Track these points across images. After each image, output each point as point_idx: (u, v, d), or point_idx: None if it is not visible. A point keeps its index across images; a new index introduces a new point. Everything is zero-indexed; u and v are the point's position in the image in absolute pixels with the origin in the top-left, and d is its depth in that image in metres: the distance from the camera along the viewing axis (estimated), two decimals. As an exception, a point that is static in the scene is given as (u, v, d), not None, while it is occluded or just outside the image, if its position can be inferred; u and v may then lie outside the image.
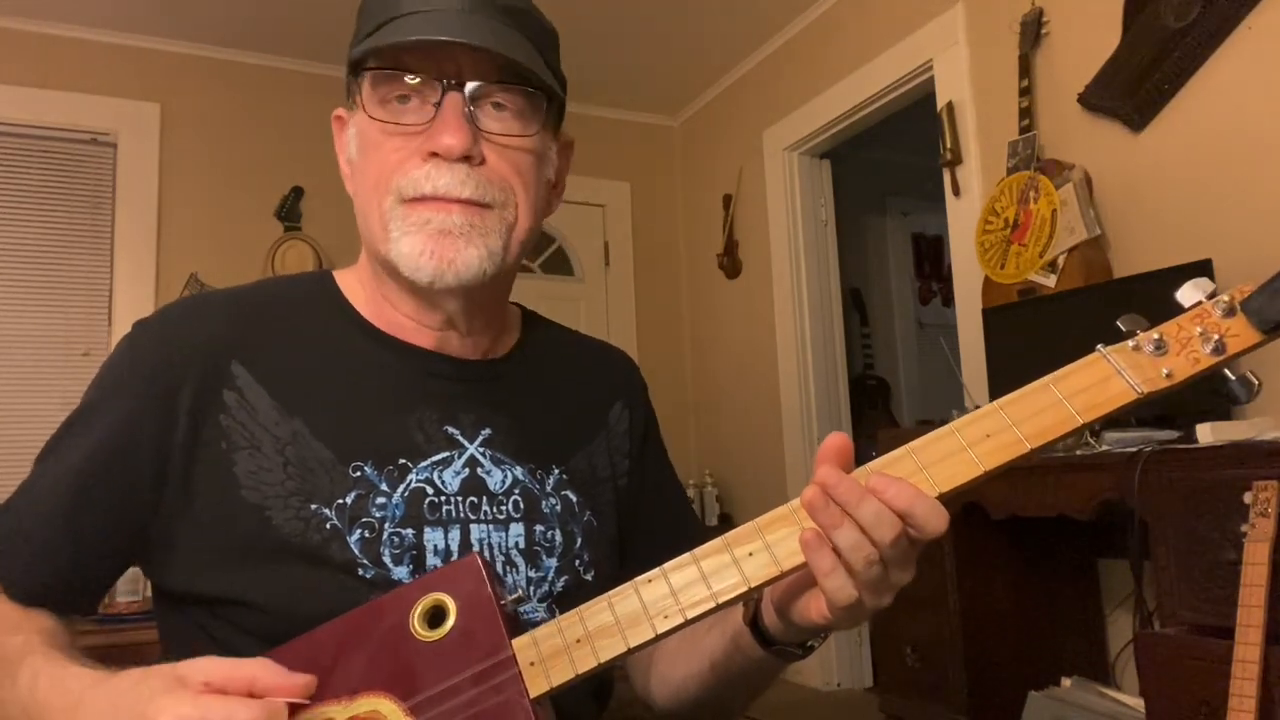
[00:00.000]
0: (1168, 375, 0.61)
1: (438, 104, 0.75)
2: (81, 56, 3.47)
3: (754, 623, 0.72)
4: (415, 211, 0.75)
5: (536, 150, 0.80)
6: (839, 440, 0.62)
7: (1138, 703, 1.86)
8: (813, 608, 0.64)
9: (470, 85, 0.75)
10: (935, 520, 0.60)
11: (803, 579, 0.65)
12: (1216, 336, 0.61)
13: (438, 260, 0.75)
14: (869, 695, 2.93)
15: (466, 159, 0.75)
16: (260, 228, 3.62)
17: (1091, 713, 1.97)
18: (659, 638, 0.61)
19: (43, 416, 0.76)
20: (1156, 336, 0.61)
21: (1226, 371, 0.61)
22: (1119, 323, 0.63)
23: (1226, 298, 0.62)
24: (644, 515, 0.93)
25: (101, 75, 3.48)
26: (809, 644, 0.71)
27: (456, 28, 0.73)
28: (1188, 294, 0.63)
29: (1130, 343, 0.62)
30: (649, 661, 0.88)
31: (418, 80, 0.76)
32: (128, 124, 3.51)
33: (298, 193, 3.66)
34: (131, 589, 2.58)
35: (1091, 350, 0.63)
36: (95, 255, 3.44)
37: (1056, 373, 0.62)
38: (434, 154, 0.75)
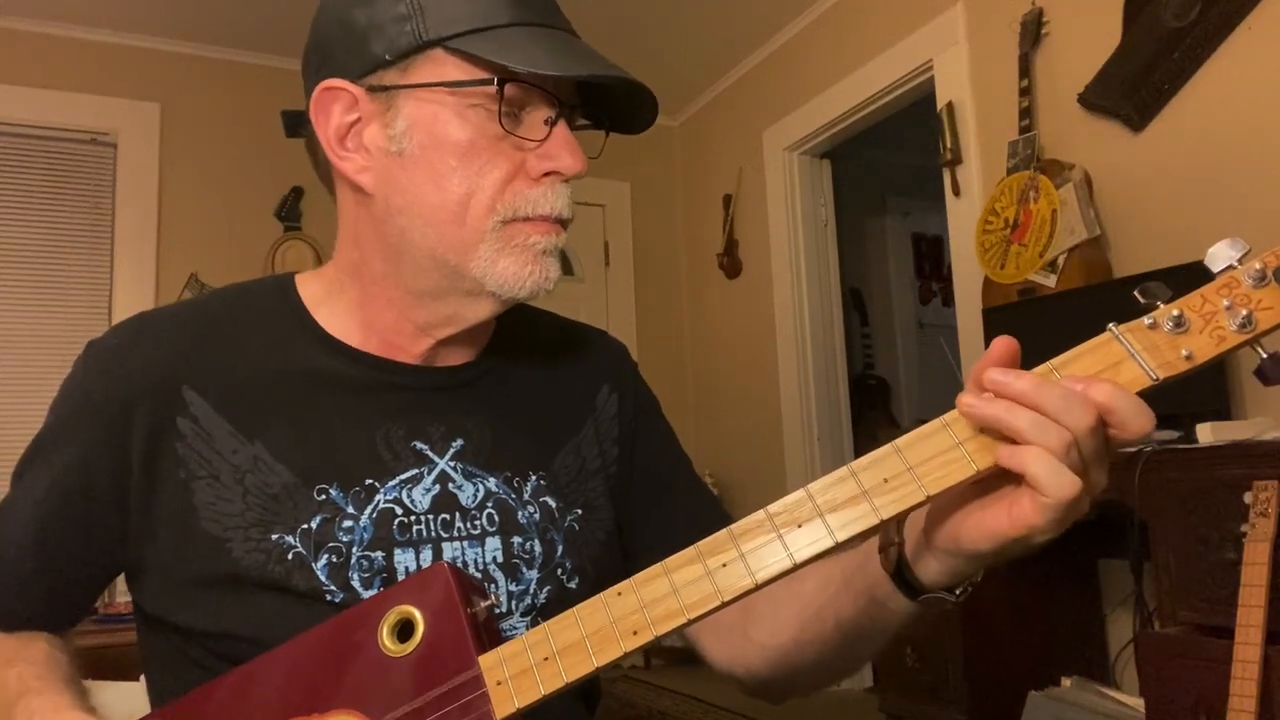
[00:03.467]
0: (1188, 357, 0.54)
1: (550, 122, 0.74)
2: (81, 56, 3.47)
3: (898, 572, 0.64)
4: (522, 232, 0.74)
5: None
6: (1006, 344, 0.56)
7: (1138, 703, 1.86)
8: (1004, 518, 0.55)
9: (575, 111, 0.77)
10: (1140, 418, 0.53)
11: (960, 500, 0.58)
12: (1245, 310, 0.53)
13: (539, 279, 0.75)
14: (869, 695, 2.92)
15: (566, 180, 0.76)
16: (260, 228, 3.62)
17: (1091, 713, 1.97)
18: (627, 655, 0.58)
19: (42, 417, 0.77)
20: (1176, 313, 0.54)
21: (1258, 349, 0.54)
22: (1137, 292, 0.56)
23: (1259, 265, 0.54)
24: (641, 503, 0.89)
25: (101, 75, 3.48)
26: (959, 589, 0.63)
27: (592, 58, 0.73)
28: (1219, 254, 0.55)
29: (1146, 320, 0.55)
30: (733, 630, 0.81)
31: (544, 95, 0.74)
32: (128, 124, 3.51)
33: (298, 193, 3.66)
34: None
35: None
36: (95, 255, 3.45)
37: (1064, 356, 0.56)
38: (548, 173, 0.74)
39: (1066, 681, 2.11)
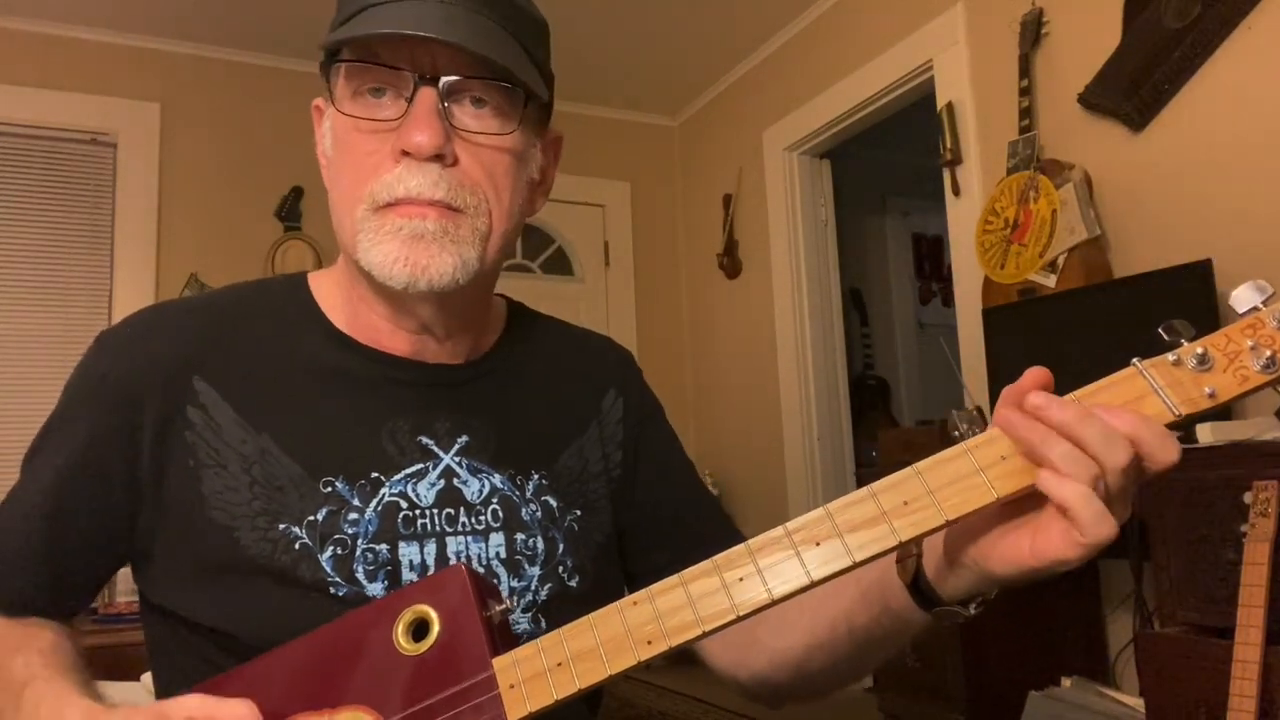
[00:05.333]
0: (1211, 395, 0.55)
1: (410, 99, 0.72)
2: (81, 56, 3.47)
3: (914, 583, 0.64)
4: (388, 219, 0.72)
5: (515, 149, 0.76)
6: (1040, 374, 0.56)
7: (1138, 703, 1.86)
8: (1025, 547, 0.56)
9: (444, 80, 0.72)
10: (1166, 450, 0.54)
11: (990, 522, 0.58)
12: (1269, 352, 0.54)
13: (411, 267, 0.72)
14: (869, 695, 2.92)
15: (438, 158, 0.72)
16: (260, 228, 3.62)
17: (1091, 713, 1.97)
18: (641, 663, 0.59)
19: (42, 417, 0.78)
20: (1201, 350, 0.55)
21: None
22: (1161, 330, 0.56)
23: None
24: (642, 508, 0.89)
25: (101, 75, 3.48)
26: (975, 603, 0.63)
27: (432, 20, 0.70)
28: (1244, 296, 0.56)
29: (1170, 356, 0.56)
30: (739, 634, 0.78)
31: (390, 73, 0.72)
32: (128, 124, 3.51)
33: (298, 193, 3.66)
34: (132, 588, 2.59)
35: (1107, 355, 0.57)
36: (95, 255, 3.45)
37: (1087, 388, 0.57)
38: (405, 153, 0.72)
39: (1066, 681, 2.11)
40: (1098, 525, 0.53)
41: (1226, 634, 1.50)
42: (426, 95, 0.71)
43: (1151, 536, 1.77)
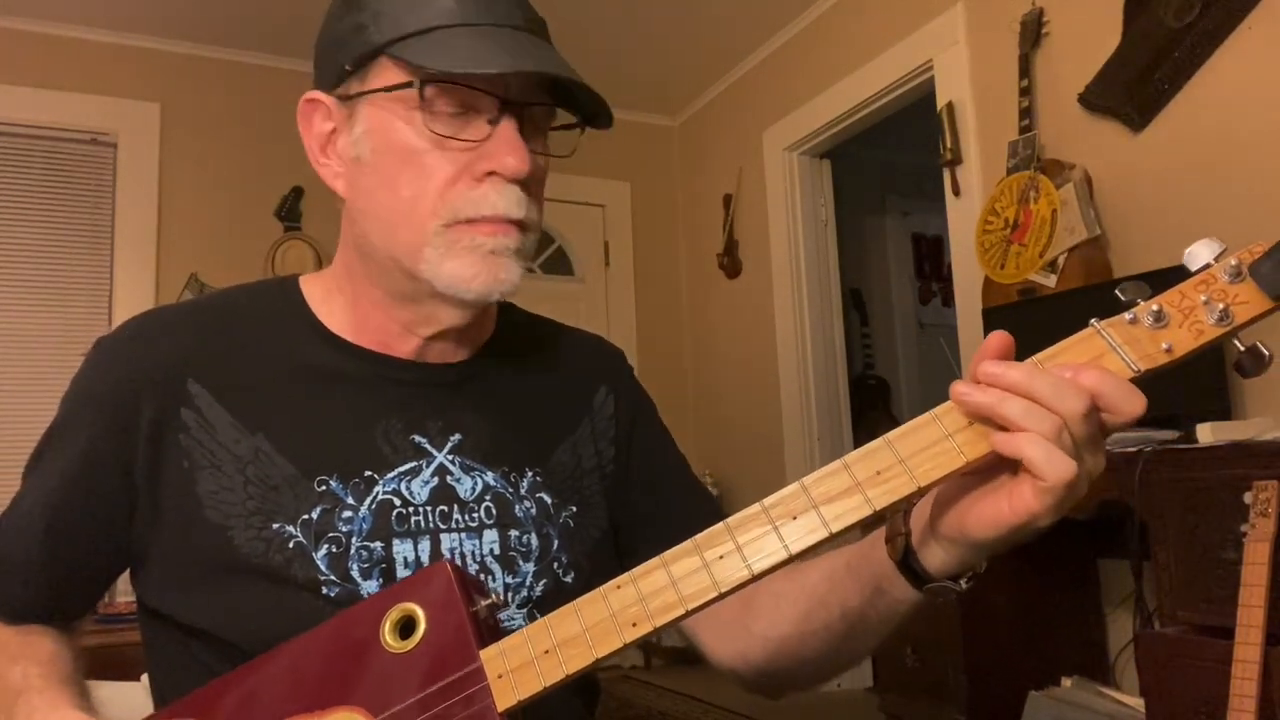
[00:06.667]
0: (1168, 350, 0.56)
1: (494, 121, 0.73)
2: (81, 56, 3.47)
3: (905, 562, 0.65)
4: (467, 234, 0.73)
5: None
6: (1001, 338, 0.58)
7: (1138, 703, 1.86)
8: (1005, 505, 0.57)
9: (528, 108, 0.75)
10: (1129, 400, 0.54)
11: (964, 490, 0.59)
12: (1222, 305, 0.56)
13: (488, 280, 0.74)
14: (869, 695, 2.93)
15: (518, 180, 0.74)
16: (260, 228, 3.62)
17: (1091, 713, 1.97)
18: (626, 646, 0.59)
19: (43, 416, 0.79)
20: (1156, 308, 0.57)
21: (1236, 342, 0.56)
22: (1118, 291, 0.58)
23: (1234, 261, 0.56)
24: (636, 503, 0.90)
25: (101, 75, 3.49)
26: (964, 578, 0.64)
27: (517, 51, 0.72)
28: (1197, 254, 0.58)
29: (1127, 315, 0.57)
30: (734, 624, 0.81)
31: (480, 95, 0.73)
32: (128, 124, 3.51)
33: (298, 193, 3.66)
34: (132, 589, 2.58)
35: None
36: (95, 255, 3.45)
37: (1046, 351, 0.58)
38: (490, 173, 0.73)
39: (1066, 681, 2.11)
40: (1055, 468, 0.54)
41: (1226, 634, 1.50)
42: (510, 119, 0.73)
43: (1151, 536, 1.77)
